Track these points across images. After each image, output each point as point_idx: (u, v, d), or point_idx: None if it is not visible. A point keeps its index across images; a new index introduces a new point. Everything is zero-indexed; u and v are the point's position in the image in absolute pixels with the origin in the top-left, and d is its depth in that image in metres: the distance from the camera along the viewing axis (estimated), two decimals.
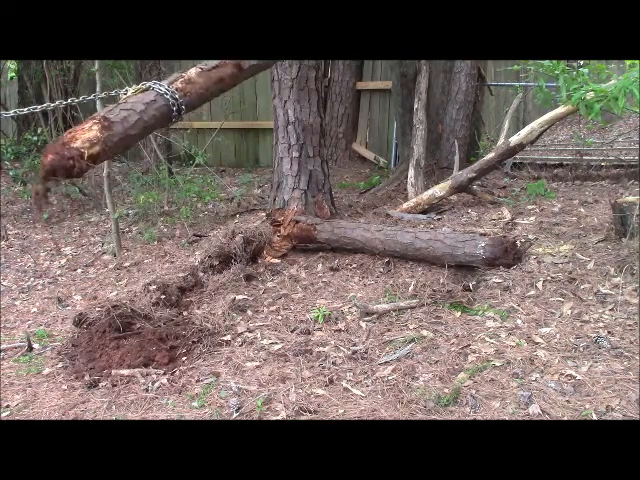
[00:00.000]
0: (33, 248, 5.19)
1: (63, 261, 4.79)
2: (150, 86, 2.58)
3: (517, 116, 8.30)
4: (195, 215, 5.46)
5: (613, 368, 2.35)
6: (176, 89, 2.68)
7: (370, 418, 2.22)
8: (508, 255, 3.35)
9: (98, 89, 4.77)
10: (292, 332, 3.00)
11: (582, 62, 3.42)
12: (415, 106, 5.62)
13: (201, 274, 3.74)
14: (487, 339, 2.71)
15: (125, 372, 2.78)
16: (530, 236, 3.79)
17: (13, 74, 9.80)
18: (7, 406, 2.55)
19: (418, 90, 5.68)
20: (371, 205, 5.23)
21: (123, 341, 3.00)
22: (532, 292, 3.08)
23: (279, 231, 4.11)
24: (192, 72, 2.81)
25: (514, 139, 4.61)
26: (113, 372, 2.79)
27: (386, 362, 2.64)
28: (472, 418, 2.16)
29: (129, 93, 2.55)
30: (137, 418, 2.39)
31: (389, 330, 2.95)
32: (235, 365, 2.73)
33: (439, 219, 4.46)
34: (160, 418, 2.37)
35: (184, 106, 2.65)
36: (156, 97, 2.60)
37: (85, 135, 2.28)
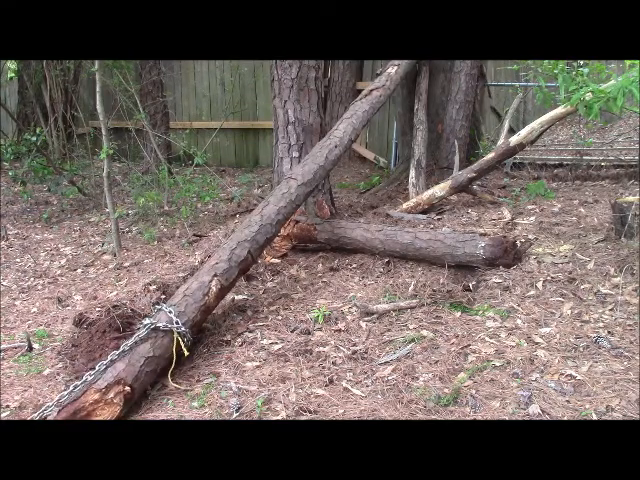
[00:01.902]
0: (33, 248, 5.18)
1: (63, 261, 4.79)
2: (182, 334, 2.70)
3: (517, 116, 8.29)
4: (195, 215, 5.46)
5: (613, 368, 2.35)
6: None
7: (370, 418, 2.22)
8: (508, 255, 3.35)
9: (98, 89, 4.77)
10: (292, 332, 3.00)
11: (582, 62, 3.42)
12: (415, 106, 5.62)
13: None
14: (487, 339, 2.71)
15: None
16: (530, 236, 3.79)
17: (13, 74, 9.80)
18: (7, 406, 2.55)
19: (418, 90, 5.68)
20: (371, 205, 5.23)
21: (123, 341, 2.99)
22: (532, 292, 3.08)
23: (279, 231, 4.10)
24: (212, 295, 2.91)
25: (514, 139, 4.61)
26: None
27: (386, 362, 2.64)
28: (472, 418, 2.16)
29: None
30: (137, 418, 2.39)
31: (389, 330, 2.95)
32: (235, 365, 2.72)
33: (439, 219, 4.46)
34: (160, 418, 2.37)
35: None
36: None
37: (106, 411, 2.25)
